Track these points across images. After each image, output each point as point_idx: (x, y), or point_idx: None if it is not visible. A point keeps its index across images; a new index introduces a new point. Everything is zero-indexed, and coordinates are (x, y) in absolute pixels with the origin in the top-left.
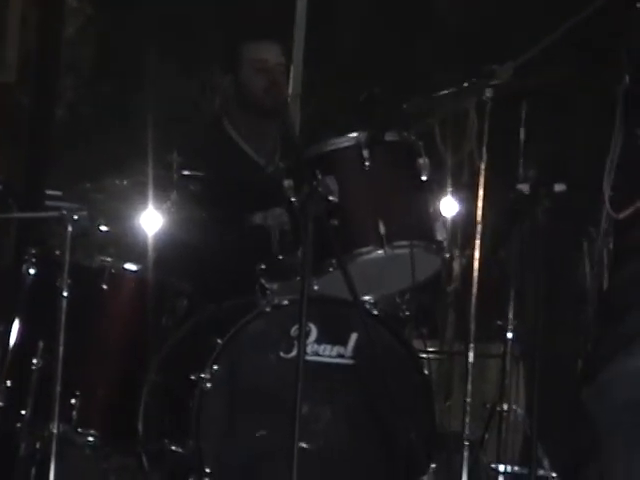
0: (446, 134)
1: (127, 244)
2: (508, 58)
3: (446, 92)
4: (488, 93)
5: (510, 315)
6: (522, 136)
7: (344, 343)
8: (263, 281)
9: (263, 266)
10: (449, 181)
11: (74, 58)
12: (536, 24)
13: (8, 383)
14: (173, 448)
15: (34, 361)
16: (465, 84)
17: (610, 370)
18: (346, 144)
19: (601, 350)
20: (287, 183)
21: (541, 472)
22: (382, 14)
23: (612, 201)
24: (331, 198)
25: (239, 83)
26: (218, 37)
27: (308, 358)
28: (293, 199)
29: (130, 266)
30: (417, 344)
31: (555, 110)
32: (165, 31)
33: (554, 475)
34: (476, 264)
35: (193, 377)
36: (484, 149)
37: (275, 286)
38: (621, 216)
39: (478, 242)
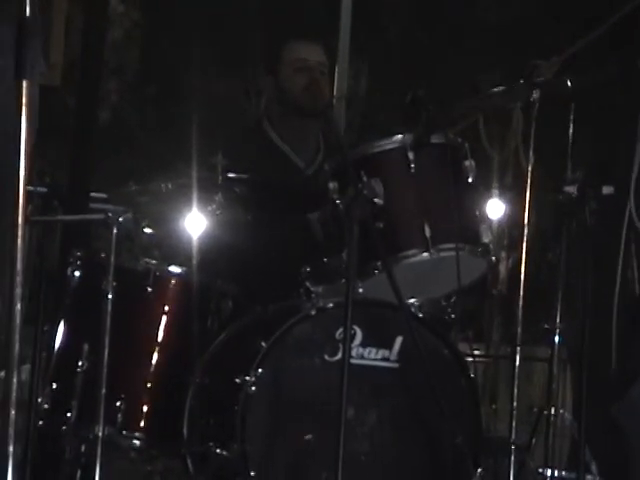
0: (491, 131)
1: (172, 246)
2: (553, 54)
3: (493, 92)
4: (535, 94)
5: (557, 318)
6: (570, 137)
7: (389, 346)
8: (308, 284)
9: (308, 269)
10: (495, 182)
11: (120, 62)
12: (581, 21)
13: (54, 385)
14: (218, 451)
15: (79, 364)
16: (512, 85)
17: None
18: (391, 146)
19: (631, 364)
20: (332, 185)
21: (589, 477)
22: (427, 14)
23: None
24: (376, 200)
25: (279, 84)
26: (262, 39)
27: (353, 361)
28: (338, 201)
29: (175, 268)
30: (463, 347)
31: (602, 110)
32: (209, 35)
33: None
34: (523, 267)
35: (238, 380)
36: (531, 151)
37: (320, 289)
38: None
39: (525, 245)
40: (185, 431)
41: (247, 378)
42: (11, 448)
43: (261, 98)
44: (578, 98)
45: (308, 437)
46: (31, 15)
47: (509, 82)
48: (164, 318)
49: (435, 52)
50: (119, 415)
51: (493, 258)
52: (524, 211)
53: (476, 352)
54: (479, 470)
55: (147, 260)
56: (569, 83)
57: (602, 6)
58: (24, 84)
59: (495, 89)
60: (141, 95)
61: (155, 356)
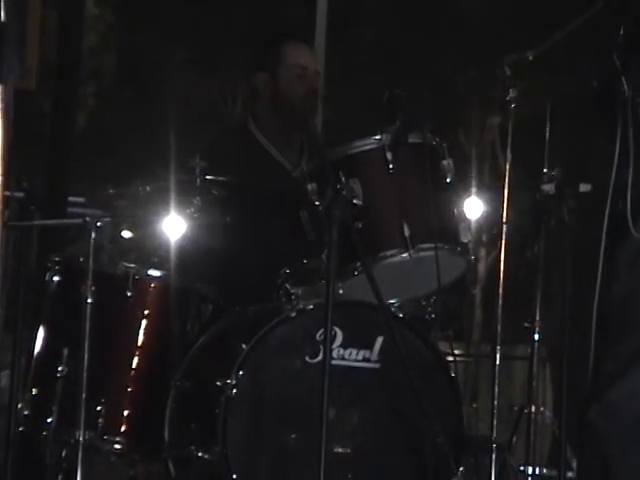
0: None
1: (151, 250)
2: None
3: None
4: (512, 94)
5: (537, 316)
6: (546, 135)
7: (370, 347)
8: (288, 285)
9: (288, 270)
10: (473, 175)
11: (96, 65)
12: (557, 15)
13: (33, 391)
14: (199, 455)
15: (59, 369)
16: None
17: (619, 388)
18: (370, 146)
19: (606, 367)
20: (311, 187)
21: (570, 474)
22: (403, 13)
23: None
24: (355, 201)
25: (276, 85)
26: (238, 41)
27: (334, 362)
28: (317, 203)
29: (154, 272)
30: (443, 347)
31: (579, 108)
32: (185, 37)
33: None
34: (502, 266)
35: (219, 383)
36: (508, 150)
37: (300, 290)
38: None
39: (504, 243)
40: (166, 435)
41: (228, 381)
42: None
43: (238, 100)
44: (554, 96)
45: (288, 438)
46: (6, 20)
47: (486, 80)
48: (144, 322)
49: (412, 51)
50: (100, 419)
51: (472, 257)
52: (502, 210)
53: (457, 351)
54: (461, 469)
55: (126, 264)
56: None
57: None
58: (0, 88)
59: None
60: (118, 99)
61: (135, 360)
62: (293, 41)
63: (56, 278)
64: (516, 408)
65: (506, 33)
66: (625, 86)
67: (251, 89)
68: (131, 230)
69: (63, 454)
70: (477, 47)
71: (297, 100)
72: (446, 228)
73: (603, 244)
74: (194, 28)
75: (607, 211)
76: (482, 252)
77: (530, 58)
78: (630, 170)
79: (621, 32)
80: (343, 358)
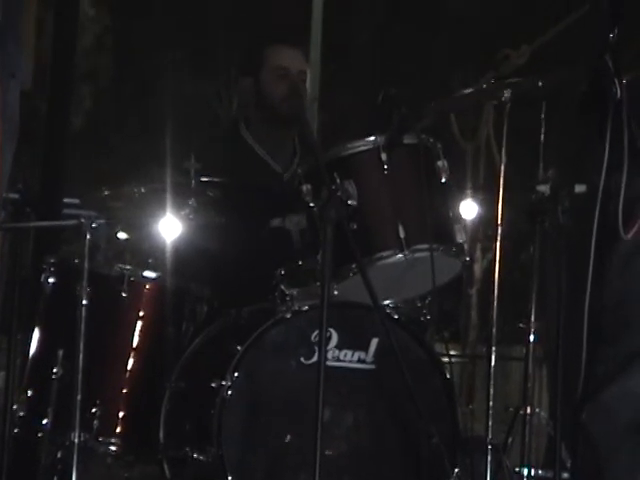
0: (463, 122)
1: (146, 251)
2: (523, 43)
3: (464, 93)
4: (506, 94)
5: (532, 317)
6: (541, 136)
7: (365, 348)
8: (283, 287)
9: (283, 272)
10: (468, 174)
11: (92, 66)
12: (551, 11)
13: (29, 393)
14: (195, 456)
15: (54, 370)
16: (483, 86)
17: (611, 391)
18: (364, 148)
19: (598, 369)
20: (305, 188)
21: (565, 475)
22: (398, 14)
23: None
24: (350, 202)
25: (260, 86)
26: (234, 42)
27: (329, 364)
28: (312, 204)
29: (149, 273)
30: (439, 348)
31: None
32: (181, 39)
33: None
34: (497, 266)
35: (214, 384)
36: (503, 150)
37: (295, 292)
38: (629, 236)
39: (499, 244)
40: (161, 436)
41: (223, 382)
42: None
43: (233, 102)
44: (549, 96)
45: (283, 439)
46: (2, 22)
47: (480, 76)
48: (139, 323)
49: (406, 50)
50: (95, 421)
51: (467, 258)
52: (497, 212)
53: (452, 352)
54: (456, 470)
55: (121, 265)
56: (540, 83)
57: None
58: None
59: (466, 90)
60: (114, 100)
61: (130, 361)
62: (275, 43)
63: (51, 279)
64: (511, 409)
65: (499, 32)
66: (617, 88)
67: (239, 94)
68: (126, 231)
69: (58, 455)
70: (471, 46)
71: (279, 101)
72: (441, 229)
73: (593, 247)
74: (190, 29)
75: (597, 214)
76: (478, 253)
77: (522, 59)
78: (624, 173)
79: (613, 33)
80: (338, 359)
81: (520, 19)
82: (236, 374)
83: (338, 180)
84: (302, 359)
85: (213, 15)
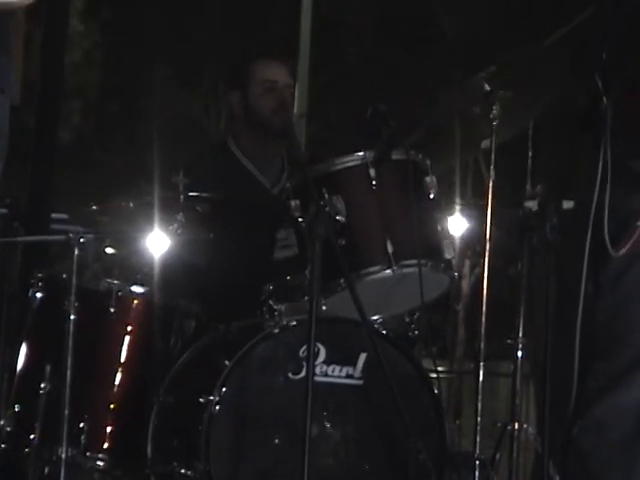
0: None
1: (134, 266)
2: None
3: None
4: (495, 110)
5: (520, 333)
6: (529, 152)
7: (353, 363)
8: (271, 302)
9: (271, 287)
10: (457, 189)
11: (81, 82)
12: (535, 29)
13: (16, 408)
14: (182, 471)
15: (42, 385)
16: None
17: (603, 406)
18: (353, 163)
19: (591, 384)
20: (294, 203)
21: None
22: (385, 31)
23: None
24: (338, 218)
25: (247, 102)
26: (222, 57)
27: (317, 379)
28: (300, 219)
29: (137, 288)
30: (427, 363)
31: (562, 125)
32: (169, 55)
33: None
34: (485, 282)
35: (202, 400)
36: (492, 167)
37: (283, 307)
38: (620, 253)
39: (487, 260)
40: (149, 451)
41: (211, 397)
42: None
43: (221, 117)
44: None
45: (274, 454)
46: None
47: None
48: (127, 338)
49: (394, 66)
50: (82, 436)
51: (456, 274)
52: (486, 227)
53: (440, 368)
54: None
55: (109, 280)
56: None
57: (562, 12)
58: None
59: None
60: (102, 115)
61: (118, 376)
62: (261, 57)
63: (39, 294)
64: (499, 425)
65: (487, 45)
66: (606, 106)
67: (227, 109)
68: (114, 246)
69: (46, 471)
70: (457, 61)
71: (268, 114)
72: (429, 244)
73: (586, 263)
74: (178, 45)
75: (589, 230)
76: (466, 268)
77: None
78: (607, 191)
79: (603, 51)
80: (326, 374)
81: (505, 36)
82: (224, 389)
83: (326, 195)
84: (290, 374)
85: (201, 31)
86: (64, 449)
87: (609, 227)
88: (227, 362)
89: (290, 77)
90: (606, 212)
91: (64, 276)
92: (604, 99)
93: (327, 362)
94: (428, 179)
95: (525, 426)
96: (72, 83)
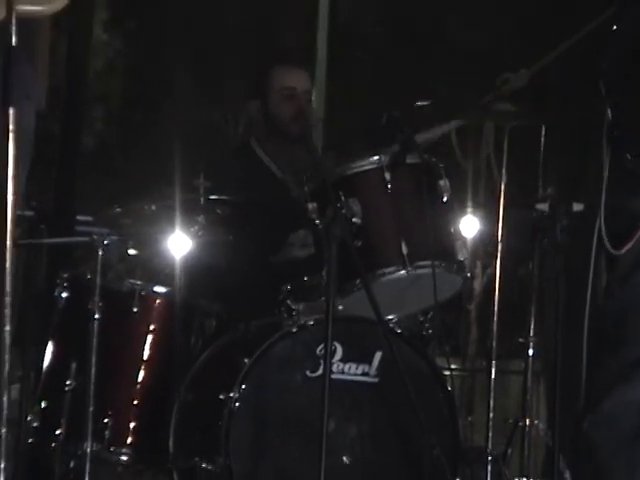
0: (463, 140)
1: (156, 267)
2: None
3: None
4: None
5: (531, 332)
6: (541, 156)
7: (369, 361)
8: (289, 302)
9: (289, 287)
10: (469, 193)
11: (104, 90)
12: (549, 37)
13: (42, 404)
14: (204, 466)
15: (67, 382)
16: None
17: (613, 400)
18: (368, 167)
19: (600, 380)
20: (311, 206)
21: None
22: (398, 38)
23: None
24: (354, 220)
25: (267, 109)
26: (241, 68)
27: (334, 377)
28: (318, 222)
29: (159, 288)
30: (440, 362)
31: (573, 129)
32: (190, 63)
33: None
34: (497, 282)
35: (222, 396)
36: (503, 169)
37: (301, 307)
38: (623, 251)
39: (499, 261)
40: (171, 446)
41: (231, 394)
42: (2, 465)
43: (239, 124)
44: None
45: (292, 449)
46: (17, 44)
47: (481, 98)
48: (149, 337)
49: (408, 73)
50: (107, 431)
51: (468, 274)
52: (497, 229)
53: (453, 366)
54: None
55: (132, 281)
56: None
57: (571, 21)
58: (11, 112)
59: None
60: (125, 122)
61: (141, 374)
62: (281, 64)
63: (64, 294)
64: (511, 421)
65: (498, 55)
66: (608, 112)
67: (247, 117)
68: (137, 248)
69: (71, 465)
70: (470, 69)
71: (286, 121)
72: (443, 246)
73: (592, 262)
74: (199, 55)
75: (596, 231)
76: (478, 269)
77: (521, 82)
78: (602, 192)
79: (607, 59)
80: (343, 372)
81: (518, 44)
82: (243, 386)
83: (343, 198)
84: (307, 372)
85: (221, 41)
86: (89, 444)
87: (614, 227)
88: (246, 360)
89: (308, 83)
90: (602, 212)
91: (88, 276)
92: (607, 105)
93: (344, 360)
94: (442, 182)
95: (536, 422)
96: (95, 91)
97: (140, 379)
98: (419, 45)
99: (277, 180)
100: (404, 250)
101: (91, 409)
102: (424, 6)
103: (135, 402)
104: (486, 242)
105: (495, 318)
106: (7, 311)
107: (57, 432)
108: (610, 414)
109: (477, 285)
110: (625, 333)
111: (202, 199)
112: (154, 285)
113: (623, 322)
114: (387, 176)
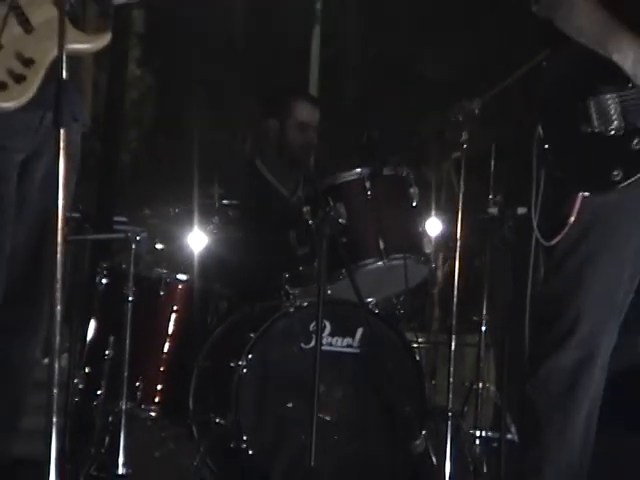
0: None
1: (178, 259)
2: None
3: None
4: (464, 136)
5: (484, 312)
6: (492, 169)
7: (352, 336)
8: (287, 287)
9: (287, 275)
10: (433, 201)
11: (138, 115)
12: (502, 71)
13: (86, 370)
14: (217, 421)
15: (106, 352)
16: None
17: (546, 367)
18: (352, 177)
19: (538, 351)
20: (306, 209)
21: (509, 436)
22: (379, 69)
23: (541, 229)
24: (341, 221)
25: (283, 133)
26: (247, 96)
27: (323, 348)
28: (311, 222)
29: (181, 276)
30: (409, 336)
31: (517, 146)
32: (207, 92)
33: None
34: (456, 272)
35: (232, 364)
36: (461, 181)
37: (297, 291)
38: (553, 242)
39: (457, 254)
40: (191, 404)
41: (240, 362)
42: (54, 419)
43: (246, 140)
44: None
45: (289, 407)
46: (67, 77)
47: (443, 125)
48: (173, 315)
49: (385, 100)
50: (138, 393)
51: (433, 265)
52: (456, 228)
53: (420, 339)
54: (423, 432)
55: (159, 270)
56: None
57: (520, 57)
58: (62, 132)
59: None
60: (155, 142)
61: (166, 345)
62: (303, 99)
63: (104, 281)
64: (467, 384)
65: (461, 87)
66: (540, 131)
67: (262, 131)
68: (163, 243)
69: (110, 419)
70: (437, 97)
71: (296, 149)
72: (413, 242)
73: (532, 255)
74: (213, 85)
75: (535, 228)
76: (440, 261)
77: (475, 108)
78: (537, 198)
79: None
80: (331, 345)
81: (478, 77)
82: (250, 356)
83: (331, 203)
84: (302, 344)
85: (232, 74)
86: (124, 403)
87: (549, 225)
88: (252, 335)
89: (318, 119)
90: (534, 213)
91: (124, 266)
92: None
93: (332, 335)
94: (412, 190)
95: (487, 385)
96: (130, 117)
97: (165, 350)
98: (395, 76)
99: (276, 191)
100: (381, 245)
101: (126, 374)
102: (400, 42)
103: (161, 369)
104: (447, 239)
105: (455, 300)
106: (58, 294)
107: (98, 393)
108: (544, 379)
109: (440, 274)
110: (559, 311)
111: (217, 203)
112: (177, 274)
113: (558, 302)
114: (367, 185)
